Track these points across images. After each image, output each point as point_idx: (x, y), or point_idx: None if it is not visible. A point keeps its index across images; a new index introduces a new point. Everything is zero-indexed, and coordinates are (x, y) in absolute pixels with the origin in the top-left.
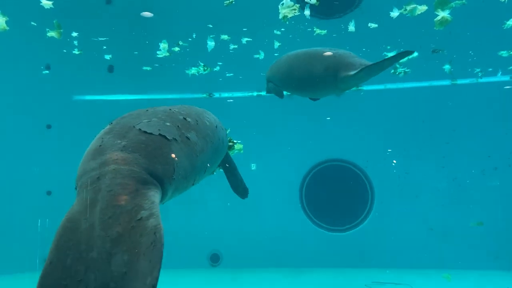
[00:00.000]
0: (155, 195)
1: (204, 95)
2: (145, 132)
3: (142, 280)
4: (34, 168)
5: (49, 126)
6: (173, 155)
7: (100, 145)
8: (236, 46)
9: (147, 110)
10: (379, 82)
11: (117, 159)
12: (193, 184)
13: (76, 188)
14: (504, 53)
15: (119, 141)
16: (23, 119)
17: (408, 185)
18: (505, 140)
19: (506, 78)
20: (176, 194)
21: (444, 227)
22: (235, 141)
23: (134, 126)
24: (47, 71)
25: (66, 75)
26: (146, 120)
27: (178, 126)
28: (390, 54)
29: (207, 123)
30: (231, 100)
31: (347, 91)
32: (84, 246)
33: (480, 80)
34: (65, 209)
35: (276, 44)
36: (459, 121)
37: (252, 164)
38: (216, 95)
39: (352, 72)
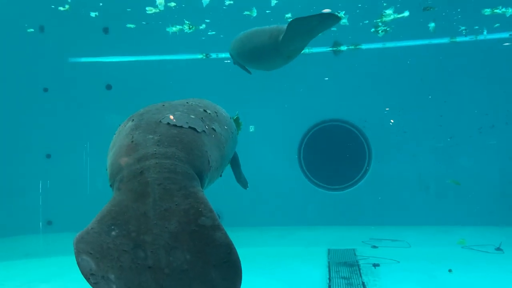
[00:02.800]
0: (204, 196)
1: (201, 56)
2: (175, 125)
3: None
4: (33, 131)
5: (46, 89)
6: (206, 147)
7: (132, 141)
8: (231, 2)
9: (164, 105)
10: (377, 40)
11: (155, 153)
12: (220, 176)
13: (111, 185)
14: (497, 11)
15: (151, 136)
16: (19, 83)
17: (405, 144)
18: (503, 98)
19: (505, 35)
20: (208, 186)
21: (440, 185)
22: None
23: (160, 121)
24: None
25: (60, 37)
26: (168, 118)
27: (202, 118)
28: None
29: (224, 114)
30: (228, 61)
31: (294, 58)
32: (134, 227)
33: (479, 37)
34: (65, 171)
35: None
36: (458, 79)
37: (251, 126)
38: (213, 55)
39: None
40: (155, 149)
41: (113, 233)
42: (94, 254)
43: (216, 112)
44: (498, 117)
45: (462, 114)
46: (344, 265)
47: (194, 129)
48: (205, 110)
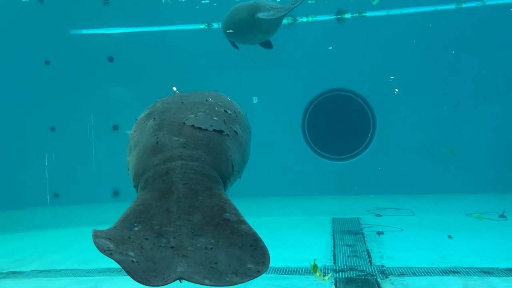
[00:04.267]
0: (228, 198)
1: (203, 26)
2: (200, 128)
3: (238, 261)
4: (36, 104)
5: (47, 62)
6: (230, 151)
7: (157, 142)
8: None
9: (183, 102)
10: (381, 7)
11: (181, 155)
12: (239, 177)
13: (135, 186)
14: None
15: (176, 138)
16: (21, 56)
17: (410, 113)
18: (509, 65)
19: None
20: (229, 189)
21: (444, 153)
22: None
23: (184, 122)
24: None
25: (60, 9)
26: (193, 115)
27: (224, 120)
28: None
29: (242, 113)
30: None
31: (272, 33)
32: (157, 222)
33: (486, 3)
34: (70, 144)
35: None
36: (464, 46)
37: (254, 98)
38: (215, 25)
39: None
40: (181, 151)
41: (136, 228)
42: (113, 240)
43: (235, 112)
44: (504, 84)
45: (468, 81)
46: (348, 233)
47: (219, 132)
48: (225, 111)
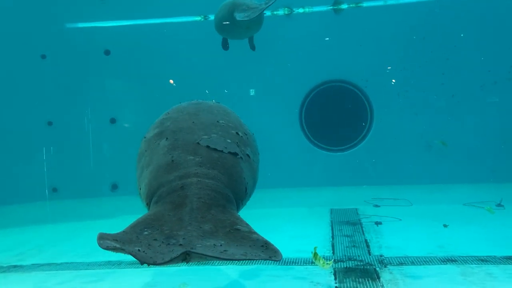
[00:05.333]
0: (241, 217)
1: (199, 18)
2: (215, 149)
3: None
4: (33, 99)
5: (43, 56)
6: (244, 174)
7: (172, 160)
8: None
9: (194, 122)
10: None
11: (197, 173)
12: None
13: (148, 204)
14: None
15: (192, 157)
16: (17, 50)
17: (407, 103)
18: (506, 54)
19: None
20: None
21: (441, 144)
22: None
23: (198, 143)
24: None
25: (56, 2)
26: (206, 136)
27: (237, 143)
28: None
29: (251, 133)
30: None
31: (254, 29)
32: (168, 228)
33: None
34: (67, 137)
35: None
36: (460, 36)
37: (251, 90)
38: (212, 17)
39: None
40: (196, 169)
41: (146, 232)
42: (119, 241)
43: (246, 134)
44: (500, 74)
45: (464, 71)
46: (346, 224)
47: (233, 155)
48: (237, 133)
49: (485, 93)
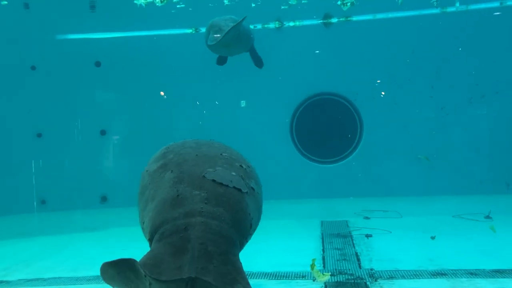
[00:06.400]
0: (242, 267)
1: (190, 31)
2: (221, 184)
3: None
4: (22, 110)
5: (33, 68)
6: (249, 209)
7: (177, 195)
8: None
9: (197, 155)
10: (368, 11)
11: (202, 211)
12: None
13: (150, 239)
14: None
15: (197, 192)
16: (6, 61)
17: (396, 116)
18: (493, 68)
19: (496, 4)
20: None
21: (431, 156)
22: None
23: (204, 176)
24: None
25: (45, 14)
26: (211, 169)
27: (241, 176)
28: None
29: (251, 165)
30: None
31: (233, 46)
32: (165, 277)
33: (470, 7)
34: (57, 151)
35: None
36: (449, 50)
37: (242, 101)
38: (203, 30)
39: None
40: (202, 207)
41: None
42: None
43: (249, 167)
44: (488, 87)
45: (453, 85)
46: (337, 236)
47: (238, 190)
48: (241, 166)
49: (474, 106)
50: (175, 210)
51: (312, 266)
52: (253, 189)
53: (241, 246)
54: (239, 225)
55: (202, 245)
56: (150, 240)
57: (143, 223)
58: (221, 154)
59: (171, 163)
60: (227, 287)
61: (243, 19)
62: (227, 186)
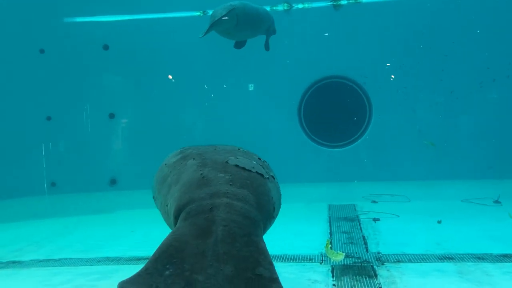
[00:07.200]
0: (266, 248)
1: (198, 13)
2: (244, 168)
3: None
4: (32, 94)
5: (42, 51)
6: (272, 193)
7: (203, 176)
8: None
9: (215, 149)
10: None
11: (227, 192)
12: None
13: (176, 217)
14: None
15: (222, 175)
16: (15, 45)
17: (405, 100)
18: (504, 51)
19: None
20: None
21: (440, 140)
22: None
23: (227, 161)
24: None
25: None
26: (233, 157)
27: (261, 165)
28: None
29: (267, 162)
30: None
31: (233, 33)
32: (188, 266)
33: None
34: (66, 132)
35: None
36: (459, 32)
37: (250, 84)
38: (210, 12)
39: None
40: (227, 188)
41: (167, 272)
42: None
43: (264, 162)
44: (499, 71)
45: (463, 68)
46: (344, 220)
47: (261, 174)
48: (259, 158)
49: (484, 90)
50: (201, 190)
51: (327, 245)
52: (273, 177)
53: (265, 229)
54: (263, 208)
55: (226, 227)
56: (176, 218)
57: (167, 205)
58: (238, 149)
59: (191, 154)
60: (248, 272)
61: (230, 11)
62: (250, 170)
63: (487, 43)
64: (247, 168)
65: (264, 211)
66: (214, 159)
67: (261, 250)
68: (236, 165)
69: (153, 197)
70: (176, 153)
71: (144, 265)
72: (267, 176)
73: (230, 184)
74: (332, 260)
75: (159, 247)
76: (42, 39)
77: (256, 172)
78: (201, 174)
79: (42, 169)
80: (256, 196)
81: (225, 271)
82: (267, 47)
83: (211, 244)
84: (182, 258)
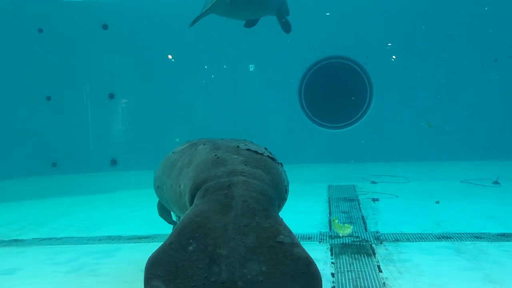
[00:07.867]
0: (283, 221)
1: None
2: (256, 152)
3: None
4: (31, 74)
5: (40, 30)
6: (283, 176)
7: (217, 157)
8: None
9: (223, 139)
10: None
11: (243, 171)
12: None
13: (192, 195)
14: None
15: (236, 156)
16: (13, 24)
17: (407, 80)
18: (507, 31)
19: None
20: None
21: (441, 121)
22: None
23: (238, 146)
24: None
25: None
26: (243, 144)
27: (270, 153)
28: None
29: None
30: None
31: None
32: (211, 241)
33: None
34: (66, 113)
35: None
36: (462, 12)
37: (250, 65)
38: None
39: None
40: (243, 168)
41: (191, 247)
42: (166, 276)
43: (271, 152)
44: (501, 51)
45: (465, 48)
46: (344, 200)
47: (273, 159)
48: (266, 148)
49: (486, 70)
50: (217, 169)
51: (334, 220)
52: (281, 164)
53: (279, 208)
54: (277, 187)
55: (245, 202)
56: (192, 197)
57: (179, 186)
58: (244, 140)
59: (200, 141)
60: (270, 241)
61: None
62: (262, 154)
63: (489, 23)
64: (258, 152)
65: (278, 191)
66: (225, 144)
67: (280, 222)
68: (248, 149)
69: (157, 187)
70: (183, 143)
71: (164, 240)
72: (277, 161)
73: (245, 164)
74: (340, 234)
75: (181, 222)
76: (40, 19)
77: (268, 156)
78: (215, 155)
79: (42, 149)
80: (271, 177)
81: (247, 242)
82: (285, 28)
83: (231, 218)
84: (204, 233)
